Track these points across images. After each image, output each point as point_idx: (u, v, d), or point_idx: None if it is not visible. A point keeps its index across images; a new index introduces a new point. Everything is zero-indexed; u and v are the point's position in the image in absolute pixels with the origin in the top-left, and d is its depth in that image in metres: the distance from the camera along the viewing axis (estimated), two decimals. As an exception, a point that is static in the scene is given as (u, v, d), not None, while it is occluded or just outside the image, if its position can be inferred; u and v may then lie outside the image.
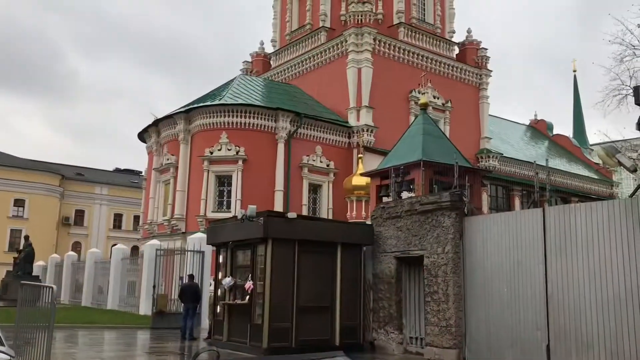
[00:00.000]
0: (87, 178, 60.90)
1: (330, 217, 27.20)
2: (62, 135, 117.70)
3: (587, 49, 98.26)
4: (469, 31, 35.34)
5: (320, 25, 32.49)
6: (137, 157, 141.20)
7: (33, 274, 29.94)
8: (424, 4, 34.21)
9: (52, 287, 8.00)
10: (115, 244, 32.77)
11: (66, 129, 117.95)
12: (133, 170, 64.97)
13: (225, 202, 26.59)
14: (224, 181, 26.81)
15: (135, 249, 41.58)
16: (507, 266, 11.98)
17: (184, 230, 26.91)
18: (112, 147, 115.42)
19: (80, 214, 59.57)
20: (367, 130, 28.67)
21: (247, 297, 13.56)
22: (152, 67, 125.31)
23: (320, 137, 28.54)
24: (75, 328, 18.65)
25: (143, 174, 36.02)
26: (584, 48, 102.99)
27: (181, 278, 19.40)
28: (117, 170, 67.69)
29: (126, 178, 63.53)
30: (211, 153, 26.72)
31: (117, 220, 61.54)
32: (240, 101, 27.52)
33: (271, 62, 36.58)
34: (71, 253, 35.30)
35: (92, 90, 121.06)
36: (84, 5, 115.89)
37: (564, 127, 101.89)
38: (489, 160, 33.79)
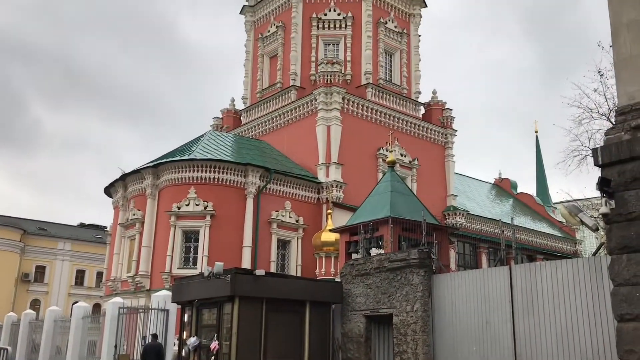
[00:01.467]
0: (49, 233, 59.28)
1: (299, 273, 26.92)
2: (24, 189, 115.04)
3: (549, 108, 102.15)
4: (434, 92, 36.46)
5: (291, 84, 33.14)
6: (102, 212, 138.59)
7: (-13, 333, 28.56)
8: (391, 65, 35.32)
9: (6, 349, 7.64)
10: (76, 302, 31.61)
11: (29, 182, 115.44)
12: (98, 226, 63.60)
13: (191, 259, 26.13)
14: (190, 237, 26.44)
15: (97, 307, 40.18)
16: (476, 324, 11.96)
17: (148, 288, 26.21)
18: (76, 201, 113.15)
19: (40, 270, 57.56)
20: (336, 186, 28.87)
21: (213, 357, 13.17)
22: (118, 120, 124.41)
23: (289, 193, 28.58)
24: (29, 392, 17.69)
25: (108, 229, 35.27)
26: (545, 107, 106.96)
27: (144, 337, 18.75)
28: (82, 225, 66.14)
29: (90, 233, 62.07)
30: (178, 208, 26.44)
31: (80, 276, 59.63)
32: (209, 156, 27.52)
33: (242, 118, 36.94)
34: (29, 311, 33.82)
35: (56, 142, 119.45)
36: (49, 55, 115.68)
37: (527, 186, 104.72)
38: (455, 218, 34.20)
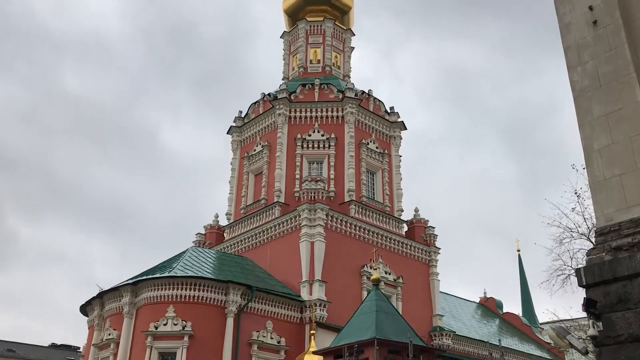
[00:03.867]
0: (18, 355, 56.44)
1: (280, 399, 25.52)
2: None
3: (530, 222, 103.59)
4: (416, 210, 36.96)
5: (275, 200, 33.49)
6: (76, 331, 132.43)
7: None
8: (373, 184, 36.09)
9: None
10: None
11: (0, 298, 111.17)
12: (70, 346, 60.81)
13: (166, 383, 24.76)
14: (167, 359, 25.23)
15: None
16: None
17: (118, 415, 24.55)
18: (49, 319, 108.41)
19: (2, 396, 54.03)
20: (320, 305, 28.22)
21: None
22: (96, 233, 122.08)
23: (271, 312, 27.80)
24: None
25: (81, 350, 33.73)
26: (526, 221, 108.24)
27: None
28: (53, 346, 63.18)
29: (62, 354, 59.26)
30: (156, 328, 25.44)
31: (45, 402, 55.98)
32: (190, 273, 26.98)
33: (225, 234, 36.83)
34: None
35: (31, 255, 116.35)
36: (28, 164, 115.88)
37: (513, 305, 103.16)
38: (442, 339, 33.29)
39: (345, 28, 43.13)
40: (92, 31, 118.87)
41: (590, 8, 10.33)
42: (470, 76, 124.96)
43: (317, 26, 41.86)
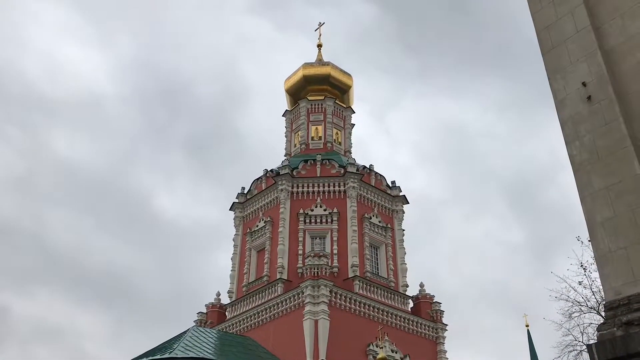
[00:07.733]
0: None
1: None
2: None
3: (538, 292, 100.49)
4: (421, 285, 36.37)
5: (278, 277, 33.08)
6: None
7: None
8: (377, 258, 35.75)
9: None
10: None
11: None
12: None
13: None
14: None
15: None
16: None
17: None
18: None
19: None
20: (325, 387, 27.28)
21: None
22: (89, 305, 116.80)
23: (274, 395, 26.86)
24: None
25: None
26: (534, 289, 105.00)
27: None
28: None
29: None
30: (155, 413, 24.51)
31: None
32: (191, 354, 26.22)
33: (227, 313, 36.11)
34: None
35: (23, 331, 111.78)
36: (23, 235, 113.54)
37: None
38: (453, 420, 31.92)
39: (345, 106, 44.17)
40: (85, 94, 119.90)
41: (584, 84, 10.59)
42: (471, 135, 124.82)
43: (318, 105, 42.87)
